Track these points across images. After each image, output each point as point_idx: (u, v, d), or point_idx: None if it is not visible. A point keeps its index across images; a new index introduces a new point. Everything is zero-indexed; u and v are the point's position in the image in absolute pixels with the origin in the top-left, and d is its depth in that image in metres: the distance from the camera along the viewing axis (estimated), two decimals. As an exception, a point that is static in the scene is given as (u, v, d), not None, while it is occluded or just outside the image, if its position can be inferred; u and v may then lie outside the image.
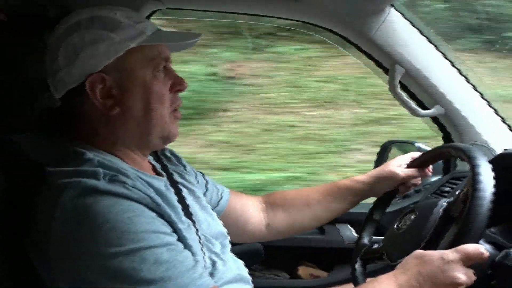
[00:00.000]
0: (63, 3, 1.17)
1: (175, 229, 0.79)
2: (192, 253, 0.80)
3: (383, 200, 1.18)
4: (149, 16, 1.33)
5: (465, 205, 0.83)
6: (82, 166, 0.76)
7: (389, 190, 1.16)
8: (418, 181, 1.16)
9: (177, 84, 0.88)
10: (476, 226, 0.80)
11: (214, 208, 1.10)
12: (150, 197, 0.77)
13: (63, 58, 0.81)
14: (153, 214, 0.76)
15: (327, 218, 1.22)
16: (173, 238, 0.77)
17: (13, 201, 0.79)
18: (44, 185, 0.76)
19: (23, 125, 0.91)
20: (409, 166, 1.15)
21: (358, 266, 1.10)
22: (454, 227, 0.84)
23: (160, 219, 0.77)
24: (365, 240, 1.15)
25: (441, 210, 0.91)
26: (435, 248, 0.85)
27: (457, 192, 0.91)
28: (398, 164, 1.15)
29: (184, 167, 1.05)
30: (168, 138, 0.88)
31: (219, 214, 1.10)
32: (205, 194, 1.08)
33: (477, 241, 0.80)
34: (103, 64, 0.80)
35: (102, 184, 0.73)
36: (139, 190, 0.76)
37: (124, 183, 0.75)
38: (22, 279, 0.77)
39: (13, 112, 0.88)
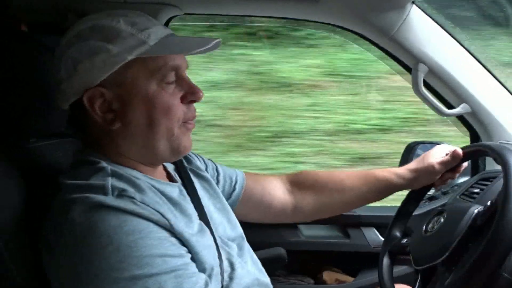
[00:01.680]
0: (83, 11, 1.19)
1: (185, 243, 0.77)
2: (207, 261, 0.79)
3: (419, 192, 1.14)
4: (167, 22, 1.34)
5: (494, 217, 0.80)
6: (95, 175, 0.76)
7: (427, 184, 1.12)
8: (455, 176, 1.12)
9: (190, 95, 0.82)
10: (502, 247, 0.76)
11: (229, 197, 1.07)
12: (160, 212, 0.74)
13: (64, 70, 0.78)
14: (161, 234, 0.73)
15: (358, 206, 1.19)
16: (182, 260, 0.74)
17: (31, 210, 0.80)
18: (57, 196, 0.77)
19: (44, 131, 0.93)
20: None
21: (385, 260, 1.08)
22: (481, 241, 0.81)
23: (170, 239, 0.74)
24: (396, 233, 1.12)
25: (470, 220, 0.87)
26: (461, 257, 0.82)
27: (488, 203, 0.87)
28: (437, 157, 1.10)
29: (197, 159, 1.04)
30: (178, 151, 0.83)
31: (235, 203, 1.08)
32: (217, 184, 1.05)
33: (502, 262, 0.76)
34: (101, 78, 0.76)
35: (109, 200, 0.71)
36: (148, 205, 0.74)
37: (133, 198, 0.73)
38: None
39: (34, 119, 0.89)
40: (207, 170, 1.06)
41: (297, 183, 1.16)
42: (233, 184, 1.09)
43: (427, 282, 0.92)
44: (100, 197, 0.71)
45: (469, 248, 0.85)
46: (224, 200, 1.01)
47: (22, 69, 0.86)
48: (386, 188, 1.14)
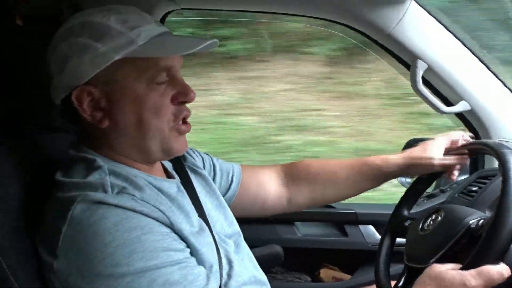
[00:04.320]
0: (78, 5, 1.18)
1: (185, 240, 0.77)
2: (206, 259, 0.79)
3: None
4: (163, 17, 1.32)
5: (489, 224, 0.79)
6: (93, 173, 0.75)
7: (424, 175, 1.10)
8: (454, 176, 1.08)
9: (181, 95, 0.80)
10: (498, 244, 0.75)
11: (226, 192, 1.07)
12: (160, 210, 0.75)
13: (54, 66, 0.78)
14: (163, 229, 0.73)
15: (352, 195, 1.17)
16: (185, 254, 0.75)
17: (28, 205, 0.79)
18: (53, 195, 0.76)
19: (41, 125, 0.92)
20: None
21: (387, 241, 1.08)
22: (474, 246, 0.80)
23: (171, 234, 0.75)
24: (404, 211, 1.11)
25: (465, 228, 0.85)
26: (455, 257, 0.82)
27: (486, 214, 0.87)
28: (438, 152, 1.06)
29: (194, 155, 1.03)
30: (171, 152, 0.82)
31: (232, 197, 1.08)
32: (213, 179, 1.05)
33: (499, 260, 0.75)
34: (89, 76, 0.75)
35: (110, 197, 0.71)
36: (148, 202, 0.74)
37: (133, 195, 0.73)
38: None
39: (30, 113, 0.88)
40: (204, 166, 1.05)
41: (291, 174, 1.16)
42: (230, 178, 1.09)
43: (414, 279, 0.92)
44: (101, 195, 0.71)
45: (462, 252, 0.85)
46: (221, 197, 1.00)
47: (16, 62, 0.86)
48: (380, 175, 1.12)
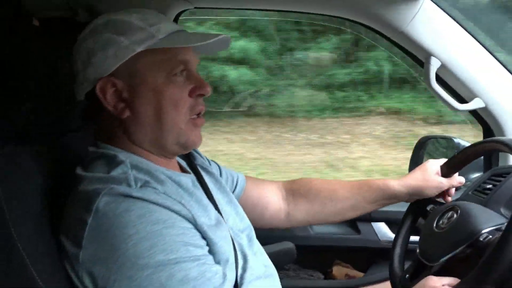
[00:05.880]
0: (93, 7, 1.20)
1: (204, 234, 0.78)
2: (223, 252, 0.80)
3: None
4: (177, 16, 1.34)
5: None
6: (115, 168, 0.77)
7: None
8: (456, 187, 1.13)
9: (198, 89, 0.84)
10: (498, 270, 0.75)
11: None
12: (181, 203, 0.77)
13: (80, 62, 0.83)
14: (184, 224, 0.75)
15: (352, 216, 1.17)
16: (203, 250, 0.77)
17: (50, 203, 0.81)
18: (76, 189, 0.77)
19: (58, 125, 0.94)
20: (448, 167, 1.10)
21: (407, 222, 1.10)
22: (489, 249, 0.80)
23: (192, 229, 0.76)
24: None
25: (478, 235, 0.86)
26: (459, 264, 0.83)
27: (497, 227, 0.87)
28: (436, 172, 1.10)
29: (201, 156, 1.05)
30: (186, 145, 0.86)
31: None
32: None
33: (506, 272, 0.75)
34: (112, 68, 0.80)
35: (134, 191, 0.73)
36: (170, 196, 0.76)
37: (155, 189, 0.75)
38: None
39: (48, 114, 0.90)
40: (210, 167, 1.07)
41: (292, 190, 1.17)
42: (234, 183, 1.11)
43: (421, 273, 0.93)
44: (125, 188, 0.73)
45: (466, 261, 0.86)
46: (231, 193, 1.02)
47: (33, 63, 0.87)
48: (380, 199, 1.13)
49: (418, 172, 1.12)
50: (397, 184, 1.12)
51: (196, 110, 0.85)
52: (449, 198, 1.12)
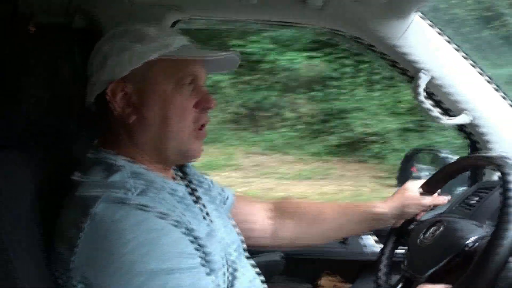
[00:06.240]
0: (90, 13, 1.21)
1: (199, 243, 0.79)
2: (216, 263, 0.81)
3: None
4: (172, 26, 1.35)
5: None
6: (114, 175, 0.78)
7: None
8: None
9: (204, 102, 0.87)
10: (488, 273, 0.76)
11: None
12: (178, 211, 0.77)
13: (96, 64, 0.86)
14: (180, 232, 0.76)
15: (337, 237, 1.21)
16: (196, 260, 0.77)
17: (43, 209, 0.81)
18: (72, 194, 0.78)
19: (55, 129, 0.94)
20: (428, 184, 1.13)
21: (390, 243, 1.12)
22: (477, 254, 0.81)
23: (187, 238, 0.77)
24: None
25: (464, 245, 0.88)
26: (448, 274, 0.84)
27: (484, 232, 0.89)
28: (416, 190, 1.14)
29: (193, 169, 1.06)
30: (187, 155, 0.88)
31: None
32: None
33: (491, 283, 0.76)
34: (125, 72, 0.83)
35: (132, 197, 0.74)
36: (167, 204, 0.77)
37: (153, 196, 0.76)
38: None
39: (46, 120, 0.90)
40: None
41: (279, 210, 1.18)
42: (223, 199, 1.12)
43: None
44: (123, 194, 0.74)
45: (455, 271, 0.86)
46: (220, 206, 1.03)
47: (29, 69, 0.88)
48: (367, 221, 1.15)
49: (398, 193, 1.16)
50: (381, 205, 1.14)
51: (201, 123, 0.87)
52: (421, 215, 1.15)
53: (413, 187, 1.15)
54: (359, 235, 1.51)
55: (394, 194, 1.17)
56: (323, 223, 1.16)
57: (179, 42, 0.86)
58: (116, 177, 0.78)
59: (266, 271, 1.04)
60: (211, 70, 0.92)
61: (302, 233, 1.17)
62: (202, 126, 0.88)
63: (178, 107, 0.84)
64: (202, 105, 0.87)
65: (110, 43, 0.85)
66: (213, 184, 1.11)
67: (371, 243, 1.52)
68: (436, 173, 1.13)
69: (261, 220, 1.17)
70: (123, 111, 0.84)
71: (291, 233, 1.17)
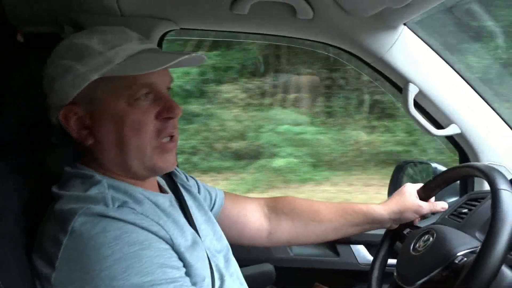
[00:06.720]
0: (79, 24, 1.20)
1: (181, 255, 0.77)
2: (200, 273, 0.79)
3: None
4: (163, 36, 1.35)
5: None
6: (92, 188, 0.76)
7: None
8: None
9: (166, 111, 0.80)
10: (482, 279, 0.77)
11: None
12: (159, 223, 0.76)
13: (45, 87, 0.83)
14: (161, 245, 0.74)
15: (334, 238, 1.18)
16: (180, 272, 0.75)
17: (24, 220, 0.79)
18: (51, 207, 0.76)
19: (40, 142, 0.93)
20: (424, 190, 1.14)
21: (384, 246, 1.13)
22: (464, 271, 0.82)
23: (169, 251, 0.75)
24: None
25: (453, 258, 0.88)
26: (437, 286, 0.84)
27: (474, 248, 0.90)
28: (414, 195, 1.13)
29: (181, 173, 1.04)
30: (154, 170, 0.83)
31: None
32: None
33: None
34: (72, 96, 0.79)
35: (111, 210, 0.72)
36: (148, 216, 0.75)
37: (133, 209, 0.75)
38: None
39: (30, 129, 0.89)
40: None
41: (275, 208, 1.16)
42: (212, 201, 1.10)
43: None
44: (102, 208, 0.72)
45: (444, 282, 0.87)
46: (209, 212, 1.01)
47: (16, 78, 0.87)
48: (362, 223, 1.15)
49: (396, 196, 1.15)
50: (379, 208, 1.13)
51: (165, 134, 0.82)
52: (418, 220, 1.16)
53: (411, 190, 1.15)
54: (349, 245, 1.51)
55: (393, 196, 1.16)
56: (320, 223, 1.14)
57: (124, 52, 0.78)
58: (94, 190, 0.76)
59: (257, 282, 1.03)
60: (176, 67, 0.82)
61: (298, 234, 1.15)
62: (171, 136, 0.83)
63: (133, 123, 0.78)
64: (163, 116, 0.80)
65: (54, 65, 0.80)
66: (200, 188, 1.08)
67: (362, 254, 1.52)
68: (433, 179, 1.14)
69: (254, 219, 1.14)
70: (79, 135, 0.80)
71: (287, 233, 1.15)
